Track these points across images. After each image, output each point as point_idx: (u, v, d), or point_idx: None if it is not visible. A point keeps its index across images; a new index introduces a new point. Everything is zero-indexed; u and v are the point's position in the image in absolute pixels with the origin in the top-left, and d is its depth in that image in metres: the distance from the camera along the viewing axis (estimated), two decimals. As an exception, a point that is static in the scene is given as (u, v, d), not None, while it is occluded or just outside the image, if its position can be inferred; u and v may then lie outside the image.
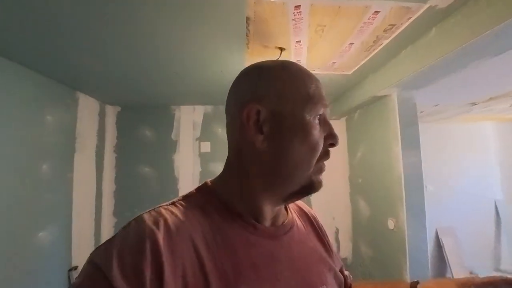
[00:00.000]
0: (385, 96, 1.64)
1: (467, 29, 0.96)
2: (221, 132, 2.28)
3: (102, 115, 2.21)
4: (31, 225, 1.41)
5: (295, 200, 0.47)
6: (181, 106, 2.32)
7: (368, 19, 1.03)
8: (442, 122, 2.89)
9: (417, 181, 1.47)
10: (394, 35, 1.15)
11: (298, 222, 0.51)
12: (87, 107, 1.98)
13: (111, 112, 2.32)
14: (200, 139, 2.27)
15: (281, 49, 1.24)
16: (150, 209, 0.37)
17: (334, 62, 1.43)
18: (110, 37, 1.14)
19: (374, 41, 1.20)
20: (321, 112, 0.41)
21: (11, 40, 1.12)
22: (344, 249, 2.21)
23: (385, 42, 1.21)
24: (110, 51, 1.27)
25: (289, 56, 1.32)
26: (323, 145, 0.41)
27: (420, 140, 1.55)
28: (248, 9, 0.96)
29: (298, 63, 0.45)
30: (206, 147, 2.25)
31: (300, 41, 1.18)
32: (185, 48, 1.28)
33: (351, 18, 1.02)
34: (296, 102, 0.40)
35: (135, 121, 2.32)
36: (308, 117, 0.40)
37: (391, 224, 1.54)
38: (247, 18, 1.03)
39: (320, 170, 0.42)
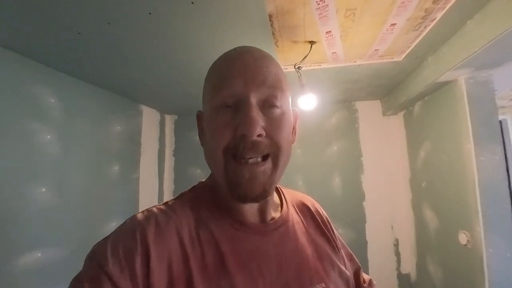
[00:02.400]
0: (450, 82, 1.36)
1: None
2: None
3: (162, 123, 2.50)
4: (103, 218, 1.70)
5: (252, 202, 0.39)
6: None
7: (410, -9, 0.87)
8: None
9: (498, 186, 1.15)
10: (449, 4, 0.94)
11: (296, 217, 0.49)
12: (149, 117, 2.27)
13: (169, 121, 2.60)
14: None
15: (311, 42, 1.16)
16: (143, 210, 0.40)
17: (377, 49, 1.26)
18: (162, 54, 1.28)
19: (423, 17, 1.01)
20: (218, 100, 0.38)
21: (84, 63, 1.38)
22: (406, 264, 1.90)
23: (439, 15, 1.00)
24: (164, 66, 1.43)
25: (323, 49, 1.23)
26: (234, 136, 0.36)
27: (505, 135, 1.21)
28: (269, 4, 0.94)
29: (234, 52, 0.42)
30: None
31: (330, 31, 1.09)
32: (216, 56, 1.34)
33: (387, -5, 0.89)
34: (207, 94, 0.41)
35: (189, 128, 2.55)
36: (210, 108, 0.39)
37: (463, 238, 1.25)
38: (270, 15, 1.01)
39: (233, 170, 0.37)
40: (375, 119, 2.10)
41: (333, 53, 1.29)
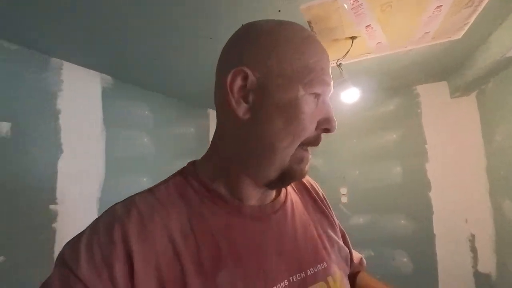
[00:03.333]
0: (528, 54, 1.19)
1: None
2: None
3: (205, 119, 2.84)
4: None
5: (279, 188, 0.42)
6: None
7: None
8: None
9: None
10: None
11: (294, 196, 0.47)
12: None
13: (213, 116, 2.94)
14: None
15: (353, 38, 1.22)
16: (125, 199, 0.36)
17: (427, 32, 1.22)
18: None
19: (473, -5, 0.96)
20: (318, 91, 0.35)
21: (173, 83, 1.76)
22: (485, 262, 1.72)
23: (494, -10, 0.93)
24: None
25: (365, 42, 1.27)
26: (315, 129, 0.36)
27: None
28: (305, 14, 1.07)
29: (315, 39, 0.38)
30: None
31: (369, 25, 1.13)
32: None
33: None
34: (290, 71, 0.34)
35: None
36: (301, 92, 0.34)
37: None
38: (309, 22, 1.13)
39: (302, 158, 0.37)
40: (441, 102, 1.92)
41: (377, 43, 1.31)
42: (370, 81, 1.88)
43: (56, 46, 1.26)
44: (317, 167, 2.32)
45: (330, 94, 0.39)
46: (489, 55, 1.33)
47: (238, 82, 0.34)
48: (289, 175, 0.37)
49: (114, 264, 0.29)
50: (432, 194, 1.90)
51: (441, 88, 1.93)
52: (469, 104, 1.83)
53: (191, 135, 2.26)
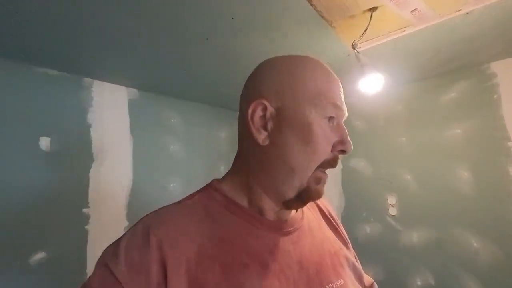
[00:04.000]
0: None
1: None
2: (359, 124, 2.03)
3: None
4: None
5: (296, 208, 0.44)
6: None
7: None
8: None
9: None
10: None
11: (309, 214, 0.49)
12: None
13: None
14: (338, 134, 2.17)
15: (372, 9, 0.97)
16: (155, 210, 0.40)
17: (484, -14, 0.87)
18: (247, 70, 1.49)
19: None
20: (331, 114, 0.39)
21: (199, 89, 1.79)
22: None
23: None
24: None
25: (393, 13, 0.99)
26: (331, 151, 0.39)
27: None
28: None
29: (326, 67, 0.45)
30: (344, 142, 2.12)
31: (391, -12, 0.87)
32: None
33: None
34: (303, 97, 0.39)
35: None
36: (313, 115, 0.38)
37: None
38: (309, 0, 0.94)
39: (320, 179, 0.40)
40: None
41: (412, 11, 1.01)
42: (417, 64, 1.50)
43: (88, 68, 1.41)
44: (358, 170, 1.99)
45: (344, 118, 0.42)
46: None
47: (258, 112, 0.39)
48: (306, 195, 0.39)
49: (151, 267, 0.31)
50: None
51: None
52: None
53: (222, 139, 2.25)
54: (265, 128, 0.40)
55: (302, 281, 0.37)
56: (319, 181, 0.39)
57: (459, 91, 1.62)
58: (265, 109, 0.39)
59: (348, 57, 1.35)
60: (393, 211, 1.79)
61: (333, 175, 2.10)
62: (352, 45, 1.08)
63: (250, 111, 0.39)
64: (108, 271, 0.32)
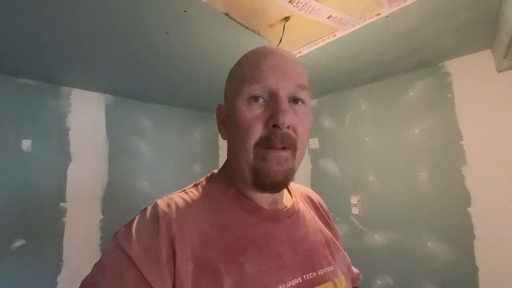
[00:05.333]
0: None
1: None
2: (328, 125, 2.06)
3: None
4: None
5: (270, 192, 0.43)
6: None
7: None
8: None
9: None
10: None
11: (303, 206, 0.52)
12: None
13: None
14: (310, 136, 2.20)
15: (286, 19, 1.03)
16: (162, 196, 0.43)
17: (380, -7, 0.90)
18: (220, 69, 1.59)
19: None
20: (252, 93, 0.39)
21: (172, 94, 1.93)
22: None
23: None
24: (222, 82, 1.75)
25: (305, 19, 1.05)
26: (265, 127, 0.39)
27: None
28: (215, 6, 0.98)
29: (263, 50, 0.44)
30: (314, 143, 2.15)
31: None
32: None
33: None
34: (230, 91, 0.44)
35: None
36: (237, 103, 0.40)
37: None
38: (226, 14, 1.03)
39: (264, 157, 0.39)
40: (483, 79, 1.36)
41: (328, 17, 1.06)
42: (368, 64, 1.53)
43: (66, 78, 1.59)
44: (326, 170, 2.02)
45: (277, 89, 0.39)
46: None
47: (220, 114, 0.47)
48: (260, 174, 0.40)
49: (161, 248, 0.34)
50: (472, 211, 1.36)
51: (482, 59, 1.37)
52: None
53: (197, 141, 2.38)
54: (225, 125, 0.46)
55: (296, 265, 0.40)
56: (264, 159, 0.39)
57: (416, 91, 1.61)
58: (222, 109, 0.46)
59: None
60: (355, 211, 1.80)
61: (302, 175, 2.15)
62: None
63: (216, 113, 0.48)
64: (121, 249, 0.34)
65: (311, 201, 0.57)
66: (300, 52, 1.34)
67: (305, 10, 1.00)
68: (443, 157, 1.47)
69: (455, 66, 1.46)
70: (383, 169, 1.71)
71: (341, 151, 1.94)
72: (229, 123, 0.44)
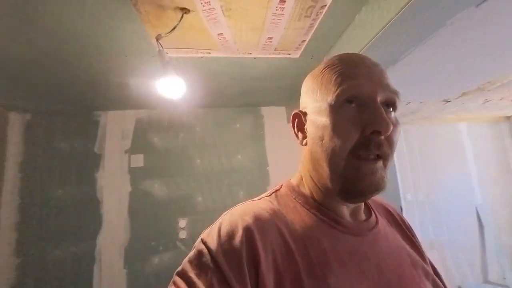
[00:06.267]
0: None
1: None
2: (158, 141, 1.85)
3: (3, 124, 1.72)
4: None
5: (353, 201, 0.40)
6: (108, 112, 1.87)
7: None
8: (417, 123, 2.65)
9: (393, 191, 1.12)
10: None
11: (382, 220, 0.47)
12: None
13: (18, 121, 1.82)
14: (131, 151, 1.83)
15: (184, 10, 0.86)
16: (241, 203, 0.42)
17: (270, 38, 1.08)
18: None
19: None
20: (351, 94, 0.37)
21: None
22: None
23: (329, 1, 0.87)
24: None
25: (201, 23, 0.95)
26: (362, 133, 0.36)
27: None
28: None
29: (352, 55, 0.41)
30: (138, 160, 1.81)
31: (209, 1, 0.82)
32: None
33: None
34: (318, 94, 0.40)
35: (48, 132, 1.84)
36: (328, 104, 0.38)
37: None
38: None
39: (358, 167, 0.36)
40: (280, 126, 1.99)
41: (219, 34, 1.03)
42: (218, 92, 1.63)
43: None
44: (151, 192, 1.76)
45: (375, 94, 0.37)
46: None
47: (297, 119, 0.45)
48: (351, 183, 0.37)
49: (243, 252, 0.34)
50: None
51: (281, 113, 2.01)
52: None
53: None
54: (303, 132, 0.44)
55: (382, 285, 0.36)
56: (357, 169, 0.36)
57: (242, 124, 1.96)
58: (300, 116, 0.45)
59: (149, 50, 1.16)
60: (183, 235, 1.72)
61: (115, 198, 1.70)
62: (156, 38, 0.90)
63: (291, 121, 0.47)
64: (207, 252, 0.34)
65: (390, 214, 0.52)
66: (168, 54, 1.15)
67: (207, 14, 0.90)
68: (256, 179, 1.89)
69: (266, 112, 1.99)
70: (208, 190, 1.82)
71: (171, 172, 1.81)
72: (312, 129, 0.41)
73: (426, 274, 0.42)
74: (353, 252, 0.38)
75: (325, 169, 0.39)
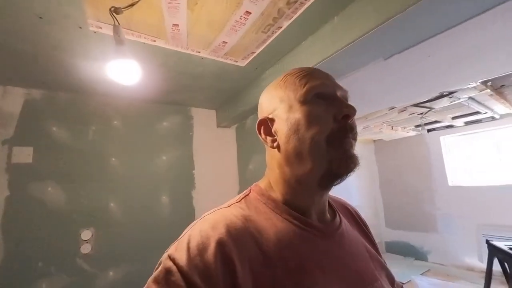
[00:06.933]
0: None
1: (367, 20, 0.86)
2: (57, 132, 1.47)
3: None
4: None
5: (335, 183, 0.42)
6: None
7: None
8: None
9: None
10: (296, 14, 0.94)
11: (344, 219, 0.49)
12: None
13: None
14: (13, 142, 1.37)
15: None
16: (210, 211, 0.40)
17: (225, 43, 1.10)
18: None
19: (274, 19, 0.96)
20: (319, 90, 0.41)
21: None
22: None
23: (286, 24, 0.99)
24: None
25: (160, 9, 0.87)
26: (334, 122, 0.40)
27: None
28: None
29: (306, 67, 0.46)
30: (24, 155, 1.37)
31: (175, -15, 0.77)
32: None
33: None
34: (285, 97, 0.43)
35: None
36: (299, 103, 0.41)
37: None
38: None
39: (340, 144, 0.40)
40: (209, 129, 1.98)
41: (174, 25, 0.97)
42: (149, 82, 1.47)
43: None
44: (42, 198, 1.37)
45: (335, 91, 0.43)
46: (257, 93, 1.50)
47: (263, 127, 0.46)
48: (338, 163, 0.39)
49: (217, 266, 0.32)
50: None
51: (211, 116, 2.00)
52: (230, 135, 2.03)
53: None
54: (271, 135, 0.45)
55: (351, 282, 0.39)
56: (341, 144, 0.41)
57: (169, 123, 1.83)
58: (266, 121, 0.46)
59: (84, 32, 0.95)
60: (86, 249, 1.41)
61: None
62: (113, 11, 0.76)
63: (257, 127, 0.47)
64: (175, 268, 0.32)
65: (350, 213, 0.55)
66: (118, 35, 0.97)
67: (170, 1, 0.84)
68: (180, 182, 1.79)
69: (196, 113, 1.94)
70: (126, 194, 1.59)
71: (73, 171, 1.47)
72: (284, 128, 0.42)
73: (380, 264, 0.47)
74: (325, 254, 0.40)
75: (307, 159, 0.40)
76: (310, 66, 0.45)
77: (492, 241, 2.23)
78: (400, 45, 1.02)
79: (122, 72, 0.85)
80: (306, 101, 0.41)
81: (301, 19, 0.96)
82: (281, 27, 1.01)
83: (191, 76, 1.42)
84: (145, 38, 1.05)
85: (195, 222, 0.39)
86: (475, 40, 1.08)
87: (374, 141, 3.95)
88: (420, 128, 3.08)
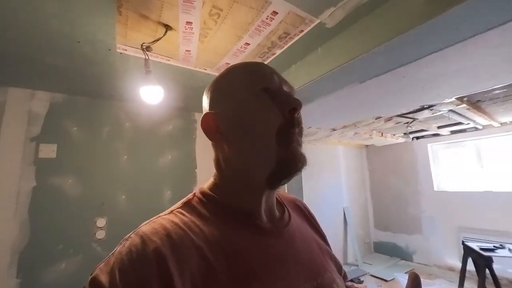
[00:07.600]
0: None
1: (346, 51, 1.06)
2: (77, 131, 1.67)
3: None
4: None
5: (283, 182, 0.41)
6: (11, 88, 1.54)
7: (266, 18, 0.95)
8: (312, 144, 3.41)
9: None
10: (287, 45, 1.14)
11: (294, 215, 0.50)
12: None
13: None
14: (40, 139, 1.57)
15: (167, 27, 0.97)
16: (148, 220, 0.37)
17: (227, 63, 1.30)
18: None
19: (268, 48, 1.16)
20: (266, 85, 0.40)
21: None
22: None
23: (278, 52, 1.19)
24: None
25: (177, 41, 1.07)
26: (282, 116, 0.39)
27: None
28: None
29: (252, 62, 0.45)
30: (49, 151, 1.57)
31: (191, 23, 0.97)
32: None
33: (250, 10, 0.91)
34: (231, 92, 0.41)
35: None
36: (245, 99, 0.40)
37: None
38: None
39: (289, 139, 0.39)
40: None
41: (186, 51, 1.17)
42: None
43: None
44: (62, 188, 1.57)
45: (281, 86, 0.43)
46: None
47: (208, 121, 0.42)
48: (289, 160, 0.39)
49: (152, 282, 0.29)
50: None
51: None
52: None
53: None
54: (220, 132, 0.43)
55: (300, 276, 0.39)
56: (294, 143, 0.41)
57: (174, 126, 2.03)
58: (212, 116, 0.44)
59: (106, 43, 1.15)
60: (101, 235, 1.61)
61: (17, 195, 1.42)
62: (144, 46, 0.96)
63: (201, 122, 0.44)
64: None
65: (299, 208, 0.55)
66: (126, 50, 1.17)
67: (185, 35, 1.04)
68: (184, 179, 1.99)
69: (199, 117, 2.13)
70: (134, 188, 1.79)
71: (90, 167, 1.67)
72: (229, 128, 0.40)
73: (330, 256, 0.48)
74: (275, 254, 0.38)
75: (256, 157, 0.39)
76: (259, 62, 0.48)
77: (468, 242, 2.44)
78: (376, 72, 1.21)
79: (149, 95, 1.04)
80: (253, 97, 0.39)
81: (290, 48, 1.17)
82: (274, 54, 1.21)
83: (196, 87, 1.62)
84: (161, 58, 1.25)
85: (128, 236, 0.35)
86: (455, 65, 1.23)
87: (366, 146, 4.15)
88: (406, 136, 3.28)
